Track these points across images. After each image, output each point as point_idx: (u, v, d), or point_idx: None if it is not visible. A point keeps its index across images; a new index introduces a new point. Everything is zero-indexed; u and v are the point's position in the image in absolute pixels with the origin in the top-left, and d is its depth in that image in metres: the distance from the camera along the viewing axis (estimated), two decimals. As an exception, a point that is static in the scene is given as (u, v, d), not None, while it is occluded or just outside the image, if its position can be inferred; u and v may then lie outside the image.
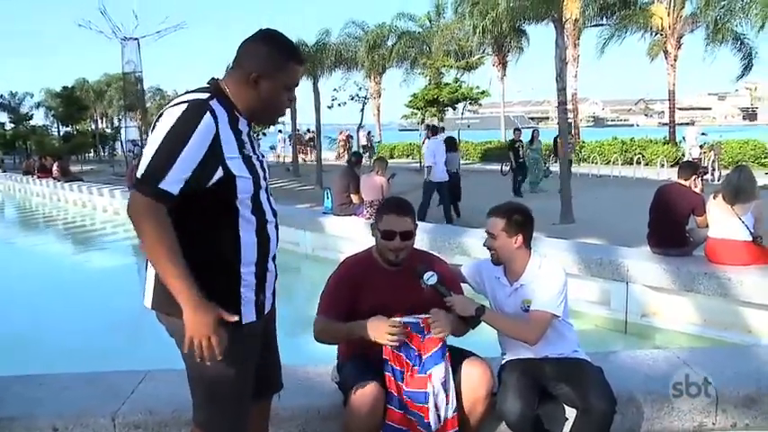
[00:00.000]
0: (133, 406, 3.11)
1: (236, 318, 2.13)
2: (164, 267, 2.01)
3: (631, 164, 21.73)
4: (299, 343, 4.12)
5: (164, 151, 2.00)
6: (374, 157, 17.78)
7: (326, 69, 24.93)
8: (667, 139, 26.48)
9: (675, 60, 26.65)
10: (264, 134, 29.92)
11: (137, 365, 3.64)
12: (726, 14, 23.48)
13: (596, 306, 6.43)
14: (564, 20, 13.12)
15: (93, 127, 51.47)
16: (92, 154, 46.04)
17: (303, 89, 23.88)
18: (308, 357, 3.83)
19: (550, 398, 3.09)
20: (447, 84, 25.03)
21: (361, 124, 30.84)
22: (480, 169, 25.23)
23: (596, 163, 21.98)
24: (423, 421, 2.79)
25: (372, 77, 33.98)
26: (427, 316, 2.88)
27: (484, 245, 3.26)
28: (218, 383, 2.19)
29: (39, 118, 51.80)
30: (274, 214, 2.31)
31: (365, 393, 2.75)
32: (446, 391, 2.83)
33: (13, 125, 49.62)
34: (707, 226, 6.17)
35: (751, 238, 5.81)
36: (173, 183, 1.99)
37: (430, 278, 2.95)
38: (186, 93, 2.17)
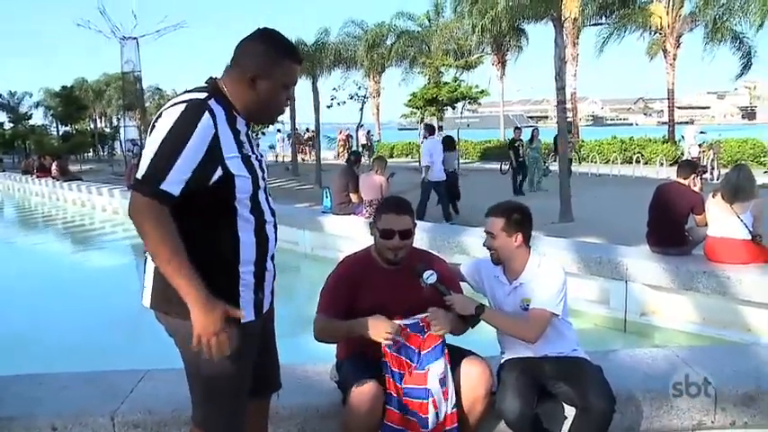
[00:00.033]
0: (132, 405, 3.11)
1: (243, 313, 2.14)
2: (169, 268, 2.01)
3: (630, 163, 21.75)
4: (299, 342, 4.11)
5: (164, 152, 2.00)
6: (373, 157, 17.78)
7: (326, 68, 24.91)
8: (666, 138, 26.49)
9: (674, 59, 26.67)
10: (263, 133, 29.90)
11: (136, 365, 3.64)
12: (725, 13, 23.46)
13: (595, 305, 6.44)
14: (563, 19, 13.11)
15: (92, 126, 51.50)
16: (91, 153, 46.01)
17: (302, 88, 23.93)
18: (307, 356, 3.83)
19: (549, 396, 3.09)
20: (446, 83, 25.01)
21: (360, 123, 30.83)
22: (479, 168, 25.25)
23: (595, 162, 21.98)
24: (422, 418, 2.79)
25: (371, 77, 33.96)
26: (426, 315, 2.88)
27: (484, 245, 3.26)
28: (217, 382, 2.19)
29: (38, 117, 51.86)
30: (273, 214, 2.31)
31: (364, 392, 2.75)
32: (444, 387, 2.83)
33: (12, 124, 49.63)
34: (706, 225, 6.18)
35: (750, 237, 5.82)
36: (173, 183, 1.99)
37: (429, 277, 2.95)
38: (184, 92, 2.16)
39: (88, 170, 30.55)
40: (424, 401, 2.80)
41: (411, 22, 30.02)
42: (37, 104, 51.03)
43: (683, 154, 20.99)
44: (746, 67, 25.52)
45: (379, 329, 2.81)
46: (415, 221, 3.13)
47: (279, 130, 35.03)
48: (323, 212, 10.48)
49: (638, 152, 23.29)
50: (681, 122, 32.17)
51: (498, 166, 21.59)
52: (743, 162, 14.57)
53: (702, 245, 6.19)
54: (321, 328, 3.02)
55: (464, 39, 24.67)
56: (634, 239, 7.23)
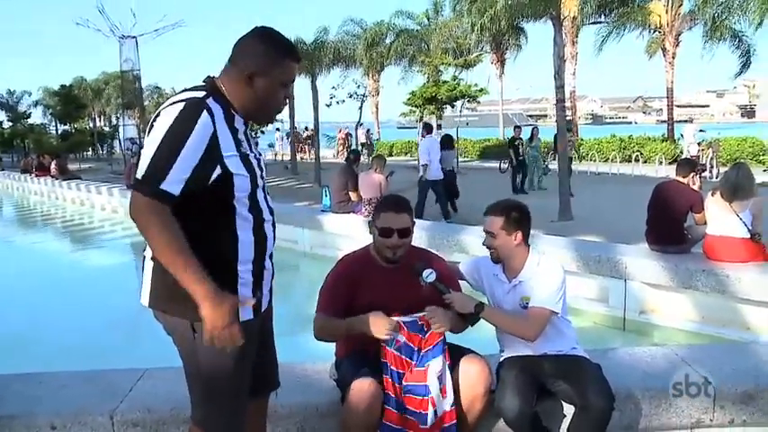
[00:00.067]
0: (131, 404, 3.11)
1: (253, 301, 2.17)
2: (175, 266, 2.01)
3: (630, 161, 21.76)
4: (298, 340, 4.12)
5: (163, 151, 1.99)
6: (372, 155, 17.76)
7: (325, 67, 24.89)
8: (666, 136, 26.49)
9: (674, 58, 26.68)
10: (262, 132, 29.88)
11: (135, 363, 3.64)
12: (724, 11, 23.44)
13: (595, 303, 6.44)
14: (562, 17, 13.11)
15: (92, 125, 51.47)
16: (90, 152, 45.98)
17: (301, 87, 23.90)
18: (306, 355, 3.84)
19: (549, 395, 3.09)
20: (445, 81, 24.99)
21: (360, 122, 30.83)
22: (479, 167, 25.25)
23: (595, 161, 21.97)
24: (421, 415, 2.79)
25: (371, 75, 33.96)
26: (424, 313, 2.89)
27: (483, 244, 3.26)
28: (216, 380, 2.19)
29: (37, 116, 51.84)
30: (271, 212, 2.31)
31: (363, 390, 2.75)
32: (442, 384, 2.83)
33: (11, 123, 49.60)
34: (705, 223, 6.18)
35: (749, 235, 5.82)
36: (173, 183, 1.99)
37: (429, 276, 2.96)
38: (182, 91, 2.16)
39: (87, 169, 30.52)
40: (425, 398, 2.81)
41: (410, 20, 30.03)
42: (36, 103, 51.04)
43: (682, 152, 21.00)
44: (746, 65, 25.52)
45: (378, 326, 2.82)
46: (414, 220, 3.13)
47: (278, 129, 35.02)
48: (322, 211, 10.47)
49: (638, 151, 23.31)
50: (680, 121, 32.17)
51: (497, 165, 21.60)
52: (742, 160, 14.58)
53: (701, 243, 6.19)
54: (320, 327, 3.02)
55: (463, 37, 24.65)
56: (633, 238, 7.23)
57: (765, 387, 3.27)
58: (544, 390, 3.07)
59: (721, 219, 5.93)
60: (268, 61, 2.16)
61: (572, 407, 3.00)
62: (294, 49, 2.26)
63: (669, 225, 6.38)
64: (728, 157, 20.60)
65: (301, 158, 29.78)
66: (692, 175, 6.76)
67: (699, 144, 19.88)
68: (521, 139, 17.04)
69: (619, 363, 3.54)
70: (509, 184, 16.49)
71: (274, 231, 2.33)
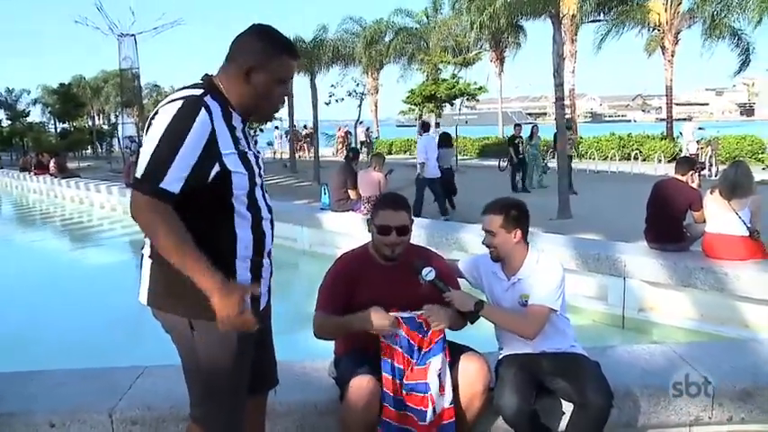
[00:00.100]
0: (131, 402, 3.12)
1: (258, 287, 2.19)
2: (182, 262, 2.01)
3: (629, 159, 21.76)
4: (297, 338, 4.12)
5: (162, 150, 1.99)
6: (372, 153, 17.74)
7: (324, 65, 24.86)
8: (665, 134, 26.50)
9: (673, 56, 26.67)
10: (261, 130, 29.86)
11: (135, 361, 3.64)
12: (723, 10, 23.48)
13: (594, 301, 6.44)
14: (561, 15, 13.10)
15: (91, 123, 51.49)
16: (89, 150, 45.95)
17: (300, 85, 23.86)
18: (305, 353, 3.84)
19: (547, 392, 3.10)
20: (444, 80, 24.99)
21: (359, 120, 30.82)
22: (478, 165, 25.24)
23: (594, 159, 21.97)
24: (421, 412, 2.80)
25: (370, 73, 33.99)
26: (421, 312, 2.89)
27: (483, 243, 3.25)
28: (215, 378, 2.19)
29: (35, 115, 51.84)
30: (269, 210, 2.31)
31: (361, 387, 2.75)
32: (441, 381, 2.84)
33: (9, 122, 49.56)
34: (704, 221, 6.18)
35: (748, 233, 5.82)
36: (173, 181, 1.99)
37: (428, 274, 2.96)
38: (180, 89, 2.16)
39: (86, 167, 30.48)
40: (425, 395, 2.81)
41: (409, 18, 30.08)
42: (35, 102, 51.05)
43: (681, 150, 20.99)
44: (745, 63, 25.57)
45: (377, 321, 2.82)
46: (413, 218, 3.14)
47: (276, 127, 34.98)
48: (321, 209, 10.47)
49: (637, 149, 23.32)
50: (679, 119, 32.10)
51: (497, 163, 21.60)
52: (741, 158, 14.59)
53: (700, 241, 6.19)
54: (320, 325, 3.02)
55: (462, 35, 24.68)
56: (632, 236, 7.23)
57: (764, 385, 3.27)
58: (543, 387, 3.07)
59: (720, 217, 5.94)
60: (265, 57, 2.16)
61: (571, 404, 3.01)
62: (292, 46, 2.26)
63: (668, 223, 6.39)
64: (727, 155, 20.60)
65: (299, 156, 29.75)
66: (690, 173, 6.76)
67: (698, 142, 19.87)
68: (521, 137, 17.01)
69: (617, 360, 3.55)
70: (508, 183, 16.48)
71: (272, 229, 2.33)
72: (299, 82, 23.39)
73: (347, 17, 27.89)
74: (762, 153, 21.75)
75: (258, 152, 2.35)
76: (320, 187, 11.53)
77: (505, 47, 34.49)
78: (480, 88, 25.63)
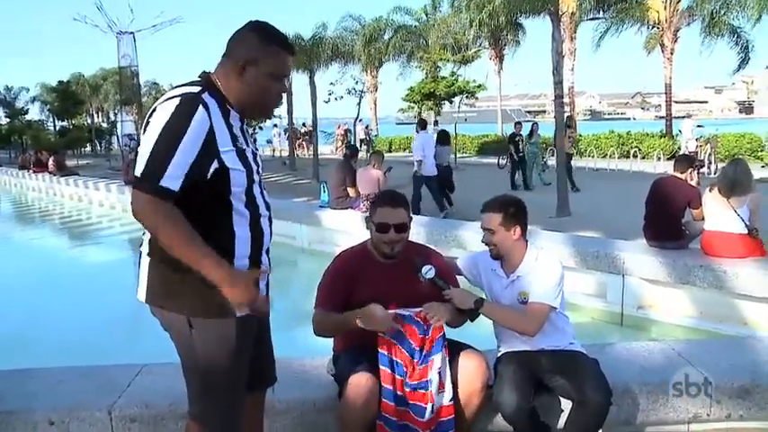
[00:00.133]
0: (129, 399, 3.12)
1: (265, 271, 2.24)
2: (187, 255, 2.03)
3: (628, 157, 21.75)
4: (296, 336, 4.12)
5: (161, 147, 1.99)
6: (371, 151, 17.73)
7: (323, 63, 24.83)
8: (664, 132, 26.46)
9: (672, 54, 26.63)
10: (261, 128, 29.86)
11: (134, 359, 3.65)
12: (722, 7, 23.49)
13: (593, 298, 6.45)
14: (560, 13, 13.10)
15: (89, 121, 51.40)
16: (88, 148, 45.90)
17: (299, 83, 23.85)
18: (304, 350, 3.84)
19: (546, 390, 3.10)
20: (444, 77, 24.97)
21: (359, 118, 30.81)
22: (477, 163, 25.23)
23: (593, 156, 21.96)
24: (421, 408, 2.80)
25: (369, 71, 33.97)
26: (419, 310, 2.89)
27: (482, 241, 3.25)
28: (213, 375, 2.20)
29: (34, 112, 51.81)
30: (268, 208, 2.31)
31: (360, 385, 2.76)
32: (441, 379, 2.84)
33: (8, 120, 49.51)
34: (703, 219, 6.19)
35: (746, 231, 5.83)
36: (173, 179, 1.99)
37: (428, 272, 2.96)
38: (178, 87, 2.16)
39: (85, 165, 30.43)
40: (426, 392, 2.81)
41: (408, 16, 30.12)
42: (33, 99, 51.03)
43: (680, 148, 21.01)
44: (744, 61, 25.55)
45: (376, 318, 2.82)
46: (411, 215, 3.14)
47: (275, 125, 34.94)
48: (320, 207, 10.48)
49: (636, 146, 23.30)
50: (678, 117, 32.06)
51: (496, 161, 21.59)
52: (740, 156, 14.58)
53: (699, 239, 6.19)
54: (319, 322, 3.02)
55: (461, 33, 24.69)
56: (631, 233, 7.23)
57: (762, 382, 3.28)
58: (542, 385, 3.08)
59: (719, 214, 5.94)
60: (260, 51, 2.16)
61: (569, 402, 3.01)
62: (287, 42, 2.25)
63: (667, 221, 6.39)
64: (726, 152, 20.59)
65: (298, 154, 29.73)
66: (689, 170, 6.76)
67: (697, 140, 19.88)
68: (521, 135, 16.99)
69: (616, 358, 3.55)
70: (508, 180, 16.47)
71: (271, 227, 2.33)
72: (299, 80, 23.38)
73: (346, 15, 27.86)
74: (761, 151, 21.75)
75: (256, 149, 2.35)
76: (319, 185, 11.53)
77: (505, 44, 34.46)
78: (479, 86, 25.61)
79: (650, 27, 27.24)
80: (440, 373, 2.84)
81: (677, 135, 23.82)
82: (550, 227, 8.67)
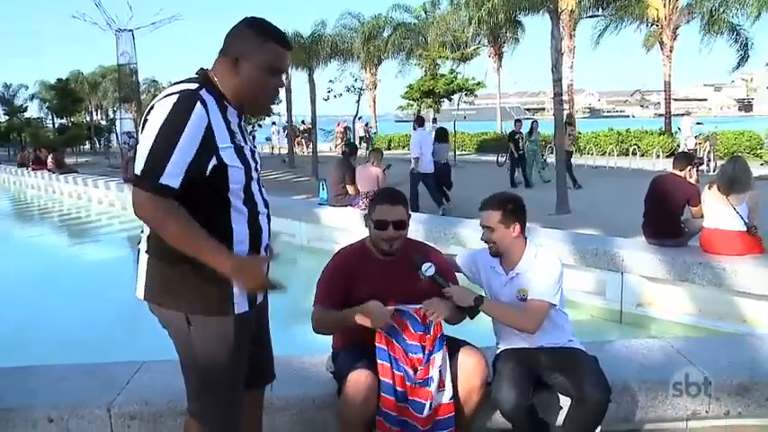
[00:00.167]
0: (129, 396, 3.12)
1: (264, 254, 2.28)
2: (193, 249, 2.04)
3: (627, 155, 21.74)
4: (295, 333, 4.12)
5: (160, 145, 1.99)
6: (370, 149, 17.72)
7: (322, 61, 24.84)
8: (663, 129, 26.47)
9: (671, 51, 26.64)
10: (260, 125, 29.83)
11: (133, 357, 3.64)
12: (722, 5, 23.51)
13: (592, 296, 6.45)
14: (560, 10, 13.09)
15: (88, 119, 51.28)
16: (87, 146, 45.83)
17: (298, 80, 23.86)
18: (303, 347, 3.84)
19: (545, 387, 3.10)
20: (443, 75, 24.97)
21: (358, 115, 30.81)
22: (476, 160, 25.22)
23: (592, 154, 21.96)
24: (419, 404, 2.80)
25: (368, 69, 33.94)
26: (418, 307, 2.89)
27: (482, 239, 3.25)
28: (212, 372, 2.20)
29: (33, 110, 51.75)
30: (266, 205, 2.31)
31: (359, 382, 2.76)
32: (441, 376, 2.84)
33: (7, 117, 49.43)
34: (702, 216, 6.19)
35: (745, 229, 5.83)
36: (172, 176, 1.99)
37: (428, 269, 2.96)
38: (175, 84, 2.15)
39: (84, 163, 30.43)
40: (428, 389, 2.82)
41: (407, 14, 30.12)
42: (32, 97, 50.98)
43: (679, 146, 21.00)
44: (743, 59, 25.58)
45: (375, 315, 2.82)
46: (410, 212, 3.14)
47: (274, 123, 34.90)
48: (319, 204, 10.47)
49: (635, 144, 23.30)
50: (677, 114, 32.16)
51: (495, 159, 21.58)
52: (739, 154, 14.58)
53: (698, 236, 6.20)
54: (318, 320, 3.02)
55: (461, 31, 24.73)
56: (630, 231, 7.24)
57: (761, 379, 3.28)
58: (541, 382, 3.08)
59: (718, 212, 5.95)
60: (254, 45, 2.15)
61: (568, 399, 3.01)
62: (283, 36, 2.24)
63: (666, 218, 6.39)
64: (726, 150, 20.59)
65: (297, 152, 29.70)
66: (689, 168, 6.76)
67: (696, 137, 19.87)
68: (521, 133, 16.98)
69: (615, 355, 3.56)
70: (507, 178, 16.46)
71: (269, 224, 2.33)
72: (298, 77, 23.40)
73: (345, 12, 27.86)
74: (760, 148, 21.75)
75: (254, 146, 2.34)
76: (318, 182, 11.53)
77: (504, 42, 34.45)
78: (479, 84, 25.63)
79: (649, 24, 27.26)
80: (440, 370, 2.84)
81: (676, 133, 23.81)
82: (550, 224, 8.66)
